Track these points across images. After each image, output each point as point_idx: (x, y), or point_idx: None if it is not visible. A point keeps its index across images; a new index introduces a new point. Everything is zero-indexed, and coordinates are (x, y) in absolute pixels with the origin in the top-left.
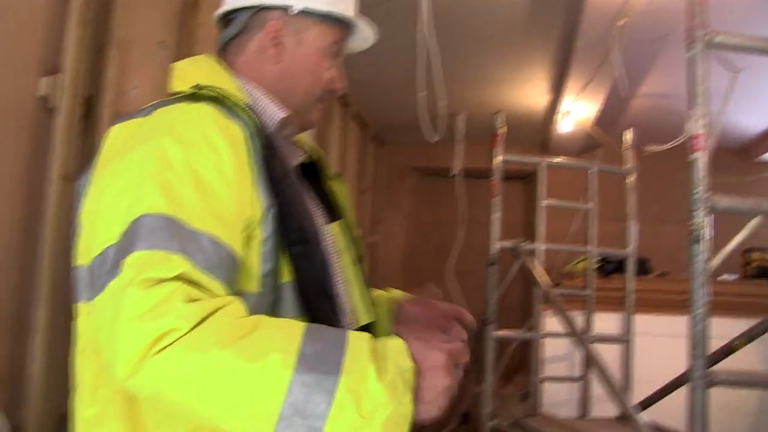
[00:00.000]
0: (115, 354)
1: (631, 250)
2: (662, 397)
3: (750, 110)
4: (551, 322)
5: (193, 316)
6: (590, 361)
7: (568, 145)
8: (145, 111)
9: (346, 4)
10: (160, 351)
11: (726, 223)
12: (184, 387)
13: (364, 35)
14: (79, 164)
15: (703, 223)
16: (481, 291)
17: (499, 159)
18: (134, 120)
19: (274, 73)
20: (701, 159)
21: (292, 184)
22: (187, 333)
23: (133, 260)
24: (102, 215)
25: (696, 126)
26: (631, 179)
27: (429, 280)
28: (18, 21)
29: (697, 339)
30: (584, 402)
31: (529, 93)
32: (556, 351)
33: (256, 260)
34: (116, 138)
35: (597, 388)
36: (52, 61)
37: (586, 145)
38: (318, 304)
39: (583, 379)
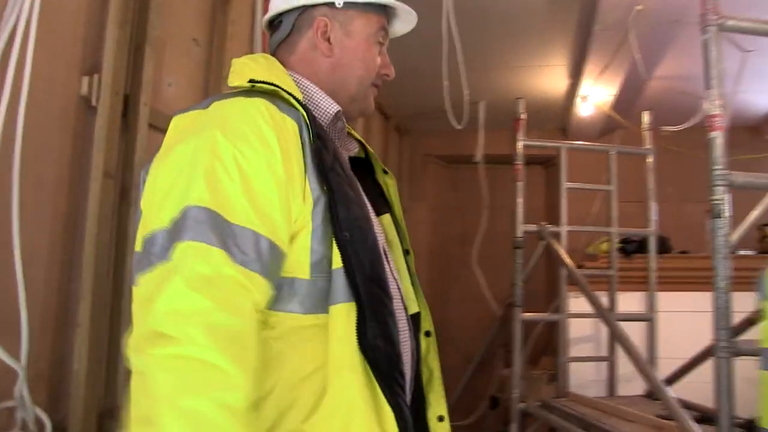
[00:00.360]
0: (139, 327)
1: (652, 229)
2: (687, 372)
3: (760, 89)
4: (576, 303)
5: (204, 350)
6: (617, 340)
7: (587, 128)
8: (204, 103)
9: None
10: (158, 355)
11: (740, 200)
12: (142, 392)
13: (405, 19)
14: (120, 161)
15: (723, 199)
16: (505, 275)
17: (521, 144)
18: (193, 112)
19: (327, 66)
20: (719, 138)
21: (340, 174)
22: (183, 355)
23: (179, 250)
24: (155, 201)
25: (713, 106)
26: (650, 160)
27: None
28: (62, 21)
29: (721, 311)
30: (611, 381)
31: (549, 78)
32: (581, 332)
33: (307, 248)
34: (175, 129)
35: (623, 368)
36: (92, 60)
37: (605, 127)
38: (367, 289)
39: (609, 358)
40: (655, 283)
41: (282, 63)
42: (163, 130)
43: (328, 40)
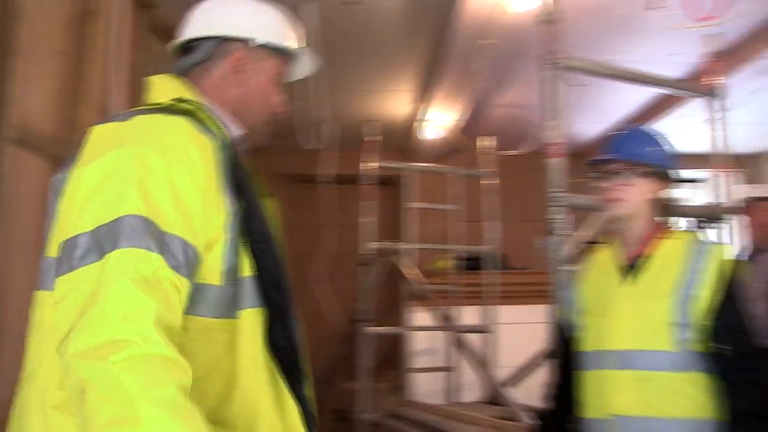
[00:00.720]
0: (87, 335)
1: (488, 247)
2: (524, 376)
3: (585, 120)
4: (417, 318)
5: (157, 345)
6: (461, 350)
7: (429, 150)
8: (124, 116)
9: (295, 39)
10: (121, 360)
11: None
12: (106, 397)
13: (306, 64)
14: None
15: (559, 218)
16: (351, 292)
17: (371, 165)
18: (113, 123)
19: (236, 96)
20: (556, 163)
21: (253, 192)
22: (142, 354)
23: (119, 255)
24: (75, 207)
25: (551, 136)
26: (491, 182)
27: (300, 284)
28: None
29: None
30: (451, 390)
31: (396, 102)
32: (423, 344)
33: (220, 257)
34: (97, 139)
35: (462, 377)
36: None
37: (447, 150)
38: (273, 295)
39: (450, 368)
40: (496, 297)
41: (194, 85)
42: (28, 143)
43: (240, 72)
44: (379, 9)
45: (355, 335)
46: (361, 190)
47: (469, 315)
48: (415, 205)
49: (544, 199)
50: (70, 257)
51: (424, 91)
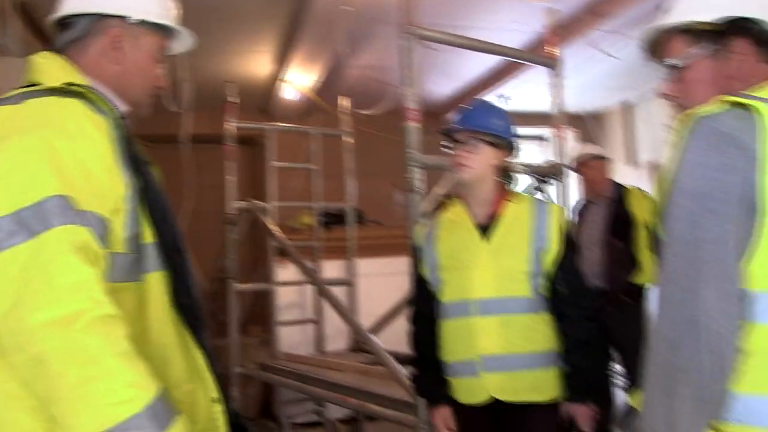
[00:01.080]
0: (37, 302)
1: (349, 204)
2: (387, 323)
3: (439, 81)
4: (282, 273)
5: (106, 306)
6: (328, 301)
7: (288, 110)
8: (13, 99)
9: (172, 15)
10: (82, 326)
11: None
12: (71, 361)
13: (184, 40)
14: None
15: (416, 177)
16: (213, 252)
17: (231, 126)
18: (7, 107)
19: (115, 73)
20: (414, 127)
21: (146, 165)
22: (97, 316)
23: (55, 233)
24: None
25: (409, 101)
26: (348, 140)
27: None
28: None
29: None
30: (318, 340)
31: (255, 63)
32: (288, 299)
33: (121, 227)
34: None
35: (328, 328)
36: None
37: (306, 110)
38: (174, 259)
39: (316, 320)
40: (356, 251)
41: (73, 61)
42: None
43: (118, 49)
44: None
45: (223, 292)
46: (223, 150)
47: (331, 269)
48: (277, 164)
49: (397, 156)
50: None
51: (284, 53)
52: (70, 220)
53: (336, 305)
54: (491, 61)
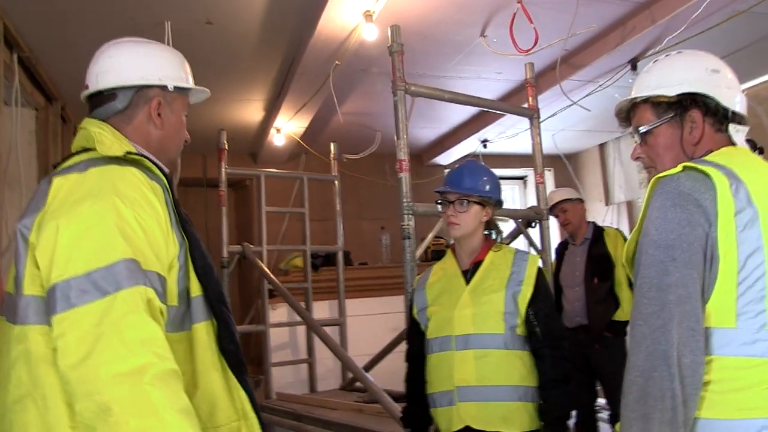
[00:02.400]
0: (107, 355)
1: (339, 245)
2: (378, 361)
3: (422, 126)
4: (273, 315)
5: (169, 362)
6: (324, 342)
7: (276, 154)
8: (79, 167)
9: (191, 78)
10: (149, 379)
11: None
12: (134, 412)
13: (198, 96)
14: None
15: (410, 224)
16: None
17: (224, 171)
18: (72, 175)
19: (158, 136)
20: (405, 177)
21: (190, 224)
22: (162, 371)
23: (126, 293)
24: (60, 254)
25: (401, 152)
26: (336, 184)
27: None
28: None
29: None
30: (311, 380)
31: (246, 111)
32: (280, 340)
33: (174, 282)
34: (60, 189)
35: (319, 368)
36: None
37: (292, 153)
38: (219, 310)
39: (308, 360)
40: (346, 291)
41: (118, 130)
42: None
43: (159, 115)
44: (233, 30)
45: None
46: (209, 193)
47: (320, 310)
48: (269, 209)
49: (382, 198)
50: (67, 297)
51: (274, 101)
52: (137, 282)
53: (331, 345)
54: (473, 107)
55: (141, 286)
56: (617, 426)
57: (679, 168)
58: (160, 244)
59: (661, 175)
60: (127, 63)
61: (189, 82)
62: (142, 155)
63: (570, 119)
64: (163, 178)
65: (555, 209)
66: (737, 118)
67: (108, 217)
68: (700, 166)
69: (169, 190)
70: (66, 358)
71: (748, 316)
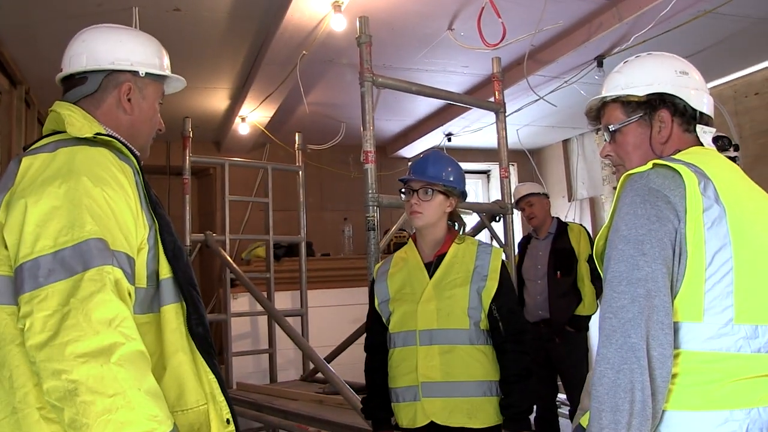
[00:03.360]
0: (74, 335)
1: (302, 236)
2: (340, 353)
3: (387, 118)
4: (234, 304)
5: (136, 342)
6: (286, 332)
7: (240, 143)
8: (48, 148)
9: (168, 65)
10: (115, 359)
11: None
12: (101, 391)
13: (173, 84)
14: None
15: (375, 215)
16: None
17: (188, 159)
18: (41, 155)
19: (127, 122)
20: (371, 168)
21: (160, 207)
22: (129, 351)
23: (94, 272)
24: (28, 233)
25: (367, 143)
26: (300, 175)
27: None
28: None
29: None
30: (271, 370)
31: (211, 99)
32: (241, 329)
33: (143, 264)
34: (29, 169)
35: (279, 358)
36: None
37: (257, 143)
38: (188, 293)
39: (269, 350)
40: (308, 282)
41: (88, 113)
42: None
43: (129, 100)
44: (201, 17)
45: None
46: (172, 181)
47: (282, 300)
48: (232, 198)
49: (345, 189)
50: (35, 276)
51: (240, 90)
52: (105, 261)
53: (293, 336)
54: (438, 100)
55: (109, 266)
56: (585, 417)
57: (649, 165)
58: (129, 225)
59: (631, 171)
60: (99, 47)
61: (164, 70)
62: (112, 136)
63: (534, 114)
64: (134, 160)
65: (521, 202)
66: (704, 119)
67: (77, 196)
68: (670, 164)
69: (139, 172)
70: (33, 338)
71: (715, 311)
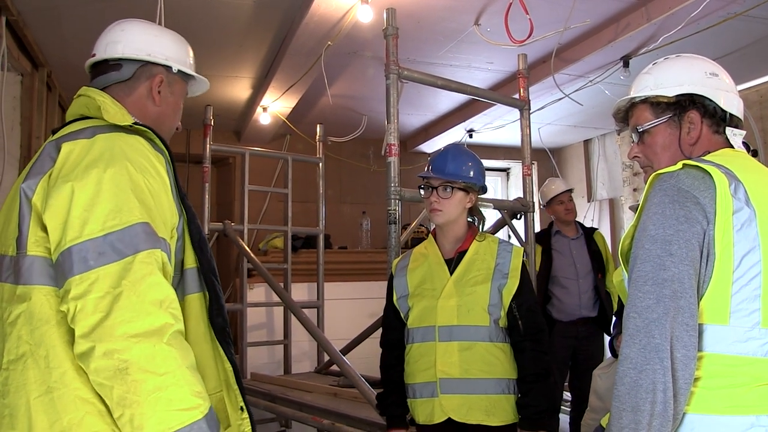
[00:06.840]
0: (128, 316)
1: (320, 228)
2: (356, 345)
3: (408, 112)
4: (250, 295)
5: (181, 322)
6: (303, 324)
7: (261, 133)
8: (85, 134)
9: (194, 65)
10: (167, 339)
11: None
12: (152, 370)
13: (199, 87)
14: None
15: (396, 209)
16: None
17: (209, 147)
18: (81, 140)
19: (154, 113)
20: (394, 162)
21: (187, 198)
22: (176, 331)
23: (144, 255)
24: (75, 216)
25: (390, 137)
26: (320, 167)
27: None
28: None
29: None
30: (286, 361)
31: (234, 88)
32: (256, 320)
33: (172, 252)
34: (70, 154)
35: (294, 350)
36: None
37: (276, 134)
38: (211, 283)
39: (284, 342)
40: (325, 274)
41: (117, 100)
42: None
43: (159, 93)
44: (226, 5)
45: None
46: (192, 169)
47: (298, 291)
48: (252, 188)
49: (364, 183)
50: (84, 259)
51: (263, 80)
52: (154, 245)
53: (310, 328)
54: (461, 96)
55: (157, 250)
56: (605, 418)
57: (679, 165)
58: (166, 213)
59: (660, 171)
60: (137, 37)
61: (192, 71)
62: (146, 127)
63: (557, 113)
64: (165, 150)
65: (554, 200)
66: (734, 122)
67: (122, 181)
68: (700, 164)
69: (170, 162)
70: (84, 319)
71: (741, 314)
